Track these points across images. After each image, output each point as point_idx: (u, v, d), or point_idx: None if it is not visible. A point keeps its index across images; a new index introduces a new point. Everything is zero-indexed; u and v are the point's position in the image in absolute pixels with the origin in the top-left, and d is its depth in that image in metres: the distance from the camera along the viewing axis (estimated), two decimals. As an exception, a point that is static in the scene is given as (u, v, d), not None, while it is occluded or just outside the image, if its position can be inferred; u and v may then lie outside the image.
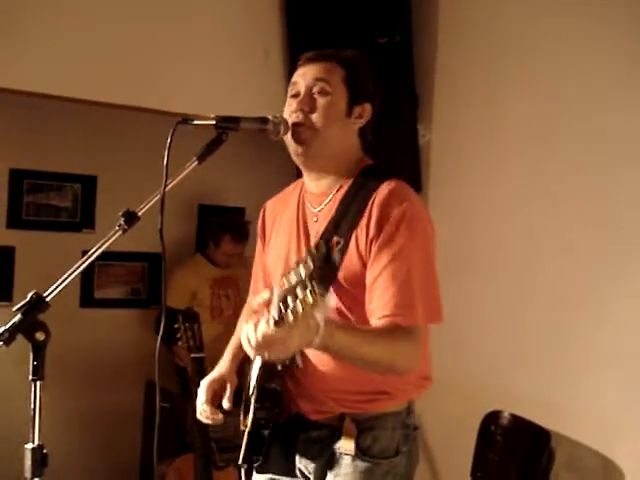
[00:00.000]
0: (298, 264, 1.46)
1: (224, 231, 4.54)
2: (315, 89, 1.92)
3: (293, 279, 1.45)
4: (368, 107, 1.98)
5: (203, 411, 2.04)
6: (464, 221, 3.72)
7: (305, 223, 2.01)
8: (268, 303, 1.49)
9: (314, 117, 1.91)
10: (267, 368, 1.90)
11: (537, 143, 3.42)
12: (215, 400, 2.05)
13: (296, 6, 3.89)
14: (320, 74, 1.93)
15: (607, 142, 3.11)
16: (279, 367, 1.93)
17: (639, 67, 2.99)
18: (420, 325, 1.79)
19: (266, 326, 1.46)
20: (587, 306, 3.14)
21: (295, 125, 1.91)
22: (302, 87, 1.95)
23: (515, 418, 3.18)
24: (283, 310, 1.43)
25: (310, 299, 1.38)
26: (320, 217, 1.97)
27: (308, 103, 1.92)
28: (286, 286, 1.46)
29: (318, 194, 2.00)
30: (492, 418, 3.25)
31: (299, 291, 1.41)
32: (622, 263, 3.03)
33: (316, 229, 1.96)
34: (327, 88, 1.92)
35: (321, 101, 1.92)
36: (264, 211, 2.21)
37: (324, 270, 1.84)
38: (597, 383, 3.07)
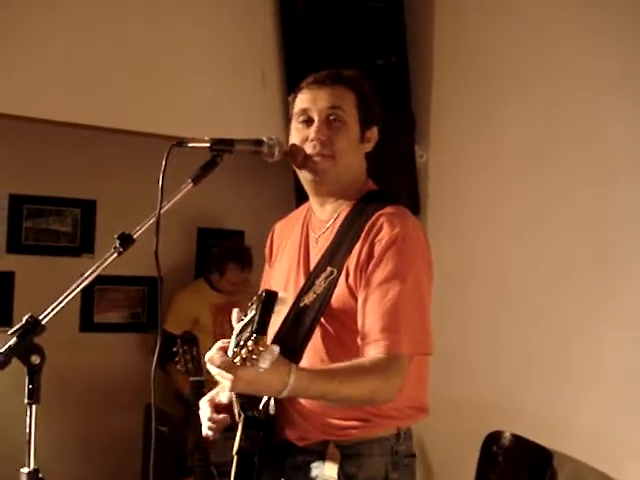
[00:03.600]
0: (251, 305, 1.50)
1: (229, 259, 4.54)
2: (331, 117, 1.90)
3: (246, 320, 1.49)
4: (375, 130, 1.98)
5: (210, 424, 1.98)
6: (463, 241, 3.73)
7: (307, 248, 2.01)
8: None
9: (334, 147, 1.89)
10: (244, 397, 1.89)
11: (535, 162, 3.43)
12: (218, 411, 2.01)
13: (293, 28, 3.92)
14: (334, 101, 1.91)
15: (606, 159, 3.11)
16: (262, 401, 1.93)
17: (636, 81, 3.01)
18: (404, 354, 1.77)
19: (217, 356, 1.59)
20: (588, 324, 3.13)
21: (313, 155, 1.90)
22: (315, 114, 1.91)
23: (517, 438, 3.16)
24: (235, 349, 1.48)
25: (250, 347, 1.43)
26: (320, 243, 1.97)
27: (326, 133, 1.89)
28: (241, 326, 1.51)
29: (321, 219, 2.00)
30: (493, 438, 3.23)
31: (244, 335, 1.46)
32: (620, 281, 3.02)
33: (315, 255, 1.96)
34: (343, 116, 1.90)
35: (339, 130, 1.90)
36: (273, 233, 2.20)
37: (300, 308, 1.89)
38: (600, 402, 3.06)
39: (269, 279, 2.16)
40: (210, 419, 1.97)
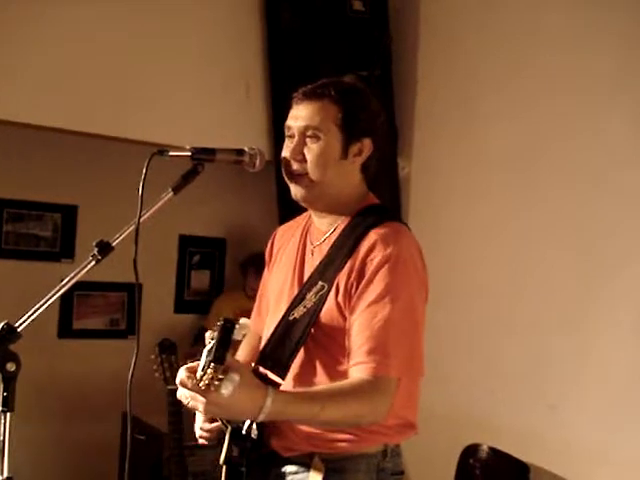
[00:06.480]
0: (213, 332, 1.53)
1: (249, 265, 4.68)
2: (308, 134, 1.88)
3: (211, 344, 1.51)
4: (367, 142, 1.92)
5: (203, 433, 1.98)
6: (444, 253, 3.73)
7: (303, 259, 1.99)
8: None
9: (308, 166, 1.87)
10: None
11: (516, 174, 3.45)
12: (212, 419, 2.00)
13: (278, 40, 3.93)
14: (311, 119, 1.88)
15: (584, 171, 3.15)
16: None
17: (632, 80, 3.04)
18: (392, 378, 1.75)
19: (187, 380, 1.58)
20: (568, 337, 3.15)
21: (291, 174, 1.90)
22: (295, 131, 1.90)
23: (494, 451, 3.17)
24: (201, 373, 1.52)
25: (210, 376, 1.47)
26: (315, 255, 1.96)
27: (300, 151, 1.88)
28: (208, 349, 1.53)
29: (319, 230, 1.99)
30: (471, 451, 3.24)
31: (207, 361, 1.49)
32: (603, 291, 3.05)
33: (309, 267, 1.95)
34: (318, 134, 1.87)
35: (312, 148, 1.87)
36: (274, 236, 2.18)
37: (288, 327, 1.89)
38: (578, 414, 3.08)
39: (267, 284, 2.16)
40: (202, 428, 1.97)
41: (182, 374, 1.62)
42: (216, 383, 1.47)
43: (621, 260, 3.00)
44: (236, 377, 1.49)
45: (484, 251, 3.59)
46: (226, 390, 1.48)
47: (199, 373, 1.53)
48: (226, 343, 1.47)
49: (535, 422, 3.21)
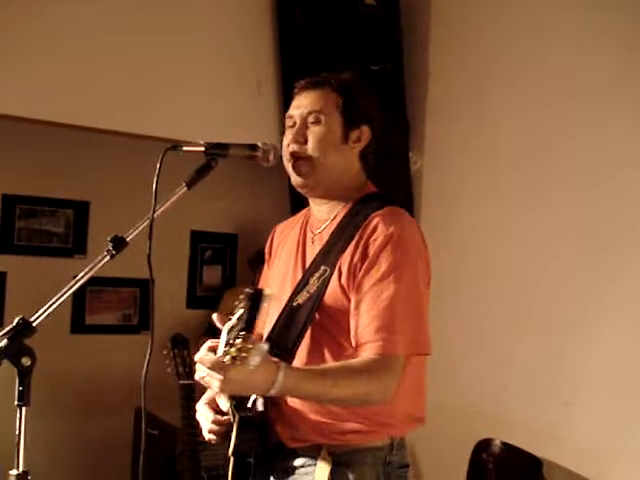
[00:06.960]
0: (238, 304, 1.53)
1: (257, 262, 4.63)
2: (309, 119, 1.93)
3: (233, 320, 1.51)
4: (366, 129, 1.98)
5: (214, 427, 1.94)
6: (456, 248, 3.73)
7: (304, 247, 2.02)
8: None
9: (309, 147, 1.92)
10: (237, 397, 1.87)
11: (528, 169, 3.44)
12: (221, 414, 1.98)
13: (289, 34, 3.93)
14: (313, 105, 1.94)
15: (596, 170, 3.14)
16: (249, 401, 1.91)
17: (634, 80, 3.03)
18: (400, 355, 1.77)
19: (206, 357, 1.59)
20: (579, 331, 3.15)
21: (292, 157, 1.93)
22: (298, 118, 1.95)
23: (507, 446, 3.17)
24: (225, 349, 1.50)
25: (239, 345, 1.45)
26: (316, 242, 1.98)
27: (303, 134, 1.93)
28: (230, 325, 1.53)
29: (319, 219, 2.02)
30: (483, 446, 3.24)
31: (233, 334, 1.48)
32: (614, 287, 3.04)
33: (311, 254, 1.97)
34: (321, 117, 1.92)
35: (314, 130, 1.92)
36: (273, 233, 2.22)
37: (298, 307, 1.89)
38: (590, 410, 3.07)
39: (267, 279, 2.17)
40: (214, 421, 1.93)
41: (202, 352, 1.64)
42: (243, 355, 1.44)
43: (631, 257, 2.99)
44: (264, 347, 1.51)
45: (495, 246, 3.58)
46: (254, 361, 1.46)
47: (221, 349, 1.52)
48: (255, 311, 1.47)
49: (548, 417, 3.20)
